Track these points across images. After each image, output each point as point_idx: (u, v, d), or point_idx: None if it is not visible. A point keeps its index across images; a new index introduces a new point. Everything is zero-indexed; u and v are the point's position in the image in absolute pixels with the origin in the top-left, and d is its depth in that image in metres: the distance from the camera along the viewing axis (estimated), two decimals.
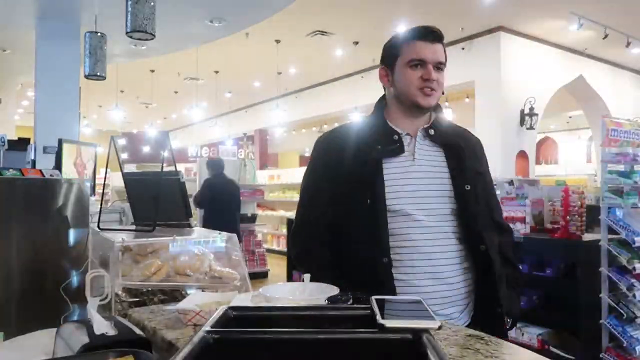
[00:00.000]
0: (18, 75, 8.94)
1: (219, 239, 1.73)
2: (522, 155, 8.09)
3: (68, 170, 3.42)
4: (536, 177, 8.11)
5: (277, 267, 8.44)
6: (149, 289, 1.54)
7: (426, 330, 0.56)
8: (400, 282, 1.27)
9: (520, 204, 3.81)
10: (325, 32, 8.01)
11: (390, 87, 1.38)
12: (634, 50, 8.44)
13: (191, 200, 3.79)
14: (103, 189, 2.46)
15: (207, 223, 5.96)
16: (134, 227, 2.04)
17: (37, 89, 5.75)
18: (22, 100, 12.48)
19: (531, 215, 3.81)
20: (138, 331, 1.01)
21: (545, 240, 3.68)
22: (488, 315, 1.33)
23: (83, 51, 5.29)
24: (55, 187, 2.55)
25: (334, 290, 1.13)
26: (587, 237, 3.50)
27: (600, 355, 3.21)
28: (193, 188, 7.37)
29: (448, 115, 10.93)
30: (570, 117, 13.78)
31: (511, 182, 5.50)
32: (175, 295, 1.62)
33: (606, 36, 7.53)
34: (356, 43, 8.49)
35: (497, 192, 4.84)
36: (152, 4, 4.06)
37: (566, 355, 3.33)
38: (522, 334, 3.65)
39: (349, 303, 1.03)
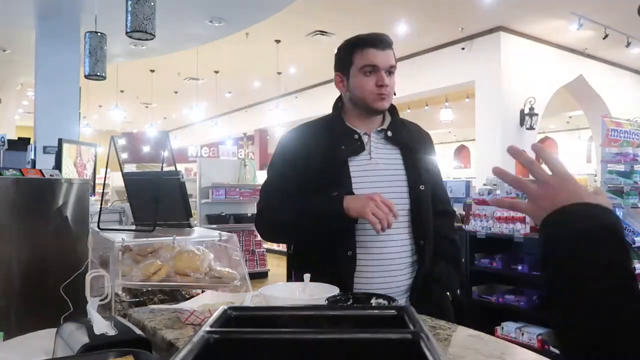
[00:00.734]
0: (18, 75, 8.94)
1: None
2: None
3: (68, 170, 3.43)
4: None
5: (277, 267, 8.45)
6: (149, 289, 1.54)
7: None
8: (357, 273, 1.36)
9: None
10: (325, 32, 8.01)
11: (346, 92, 1.46)
12: (634, 50, 8.44)
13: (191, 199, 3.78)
14: (103, 189, 2.46)
15: None
16: (134, 227, 2.04)
17: (37, 89, 5.75)
18: (22, 100, 12.48)
19: None
20: (138, 331, 1.01)
21: None
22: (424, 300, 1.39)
23: (83, 51, 5.29)
24: (55, 187, 2.55)
25: (334, 290, 1.13)
26: None
27: None
28: (193, 188, 7.38)
29: (448, 115, 10.96)
30: (570, 117, 13.78)
31: None
32: (175, 295, 1.62)
33: (606, 36, 7.53)
34: None
35: (497, 192, 4.86)
36: (152, 4, 4.06)
37: None
38: (522, 334, 3.65)
39: (349, 303, 1.03)
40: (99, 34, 5.19)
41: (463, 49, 8.32)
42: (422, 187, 1.41)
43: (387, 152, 1.44)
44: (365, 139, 1.45)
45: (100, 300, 1.16)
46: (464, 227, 4.21)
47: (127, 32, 4.09)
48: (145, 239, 1.63)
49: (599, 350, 0.55)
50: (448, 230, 1.56)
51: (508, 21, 7.74)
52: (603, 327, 0.55)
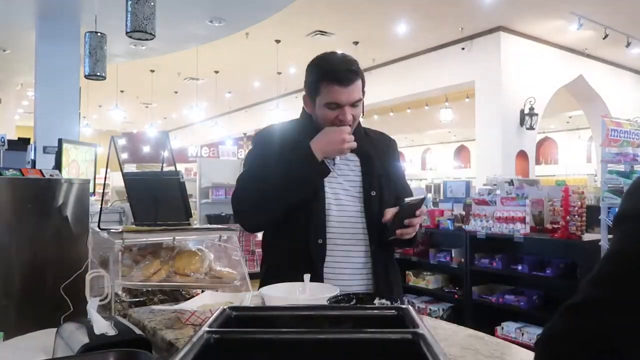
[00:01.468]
0: (18, 75, 8.95)
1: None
2: (522, 155, 8.09)
3: (68, 170, 3.43)
4: (536, 177, 8.11)
5: None
6: (149, 289, 1.54)
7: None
8: (326, 263, 1.45)
9: (520, 204, 3.81)
10: (325, 32, 8.01)
11: (313, 113, 1.56)
12: (634, 50, 8.45)
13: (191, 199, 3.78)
14: (103, 189, 2.45)
15: None
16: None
17: (37, 89, 5.75)
18: (22, 100, 12.49)
19: (531, 215, 3.81)
20: (138, 331, 1.01)
21: (545, 240, 3.69)
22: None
23: (83, 51, 5.29)
24: (55, 187, 2.55)
25: (334, 290, 1.13)
26: (587, 237, 3.50)
27: None
28: (193, 188, 7.37)
29: (448, 115, 10.96)
30: (570, 117, 13.79)
31: (511, 182, 5.51)
32: (175, 295, 1.62)
33: (606, 36, 7.53)
34: (356, 43, 8.48)
35: (497, 192, 4.84)
36: (152, 4, 4.06)
37: None
38: (522, 334, 3.65)
39: (352, 303, 1.04)
40: (99, 34, 5.19)
41: (463, 49, 8.32)
42: (372, 193, 1.52)
43: (348, 161, 1.56)
44: None
45: (100, 301, 1.16)
46: (464, 227, 4.21)
47: (127, 32, 4.09)
48: (145, 239, 1.63)
49: None
50: None
51: (508, 21, 7.74)
52: None
